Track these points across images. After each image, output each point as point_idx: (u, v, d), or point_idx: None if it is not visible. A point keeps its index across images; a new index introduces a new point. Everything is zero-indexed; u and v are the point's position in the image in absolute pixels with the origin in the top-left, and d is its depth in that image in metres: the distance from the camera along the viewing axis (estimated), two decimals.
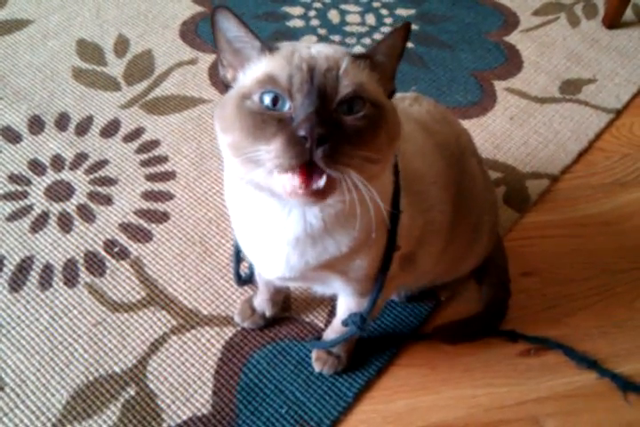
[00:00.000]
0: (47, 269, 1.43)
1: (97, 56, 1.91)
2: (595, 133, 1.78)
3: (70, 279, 1.41)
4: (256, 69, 0.80)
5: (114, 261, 1.45)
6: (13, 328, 1.33)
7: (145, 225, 1.52)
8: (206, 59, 1.92)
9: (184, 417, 1.22)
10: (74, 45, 1.93)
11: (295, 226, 0.87)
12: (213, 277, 1.43)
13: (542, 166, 1.69)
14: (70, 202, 1.55)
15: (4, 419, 1.21)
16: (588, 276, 1.47)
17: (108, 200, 1.57)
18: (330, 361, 1.27)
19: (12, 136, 1.69)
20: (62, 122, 1.73)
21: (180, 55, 1.93)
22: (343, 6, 2.14)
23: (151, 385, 1.26)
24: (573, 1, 2.19)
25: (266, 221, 0.89)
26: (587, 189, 1.65)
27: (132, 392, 1.25)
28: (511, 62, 1.98)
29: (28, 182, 1.59)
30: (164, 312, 1.37)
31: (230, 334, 1.34)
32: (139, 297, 1.39)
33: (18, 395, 1.24)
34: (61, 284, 1.40)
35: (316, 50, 0.80)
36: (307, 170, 0.72)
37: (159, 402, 1.24)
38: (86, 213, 1.53)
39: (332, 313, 1.36)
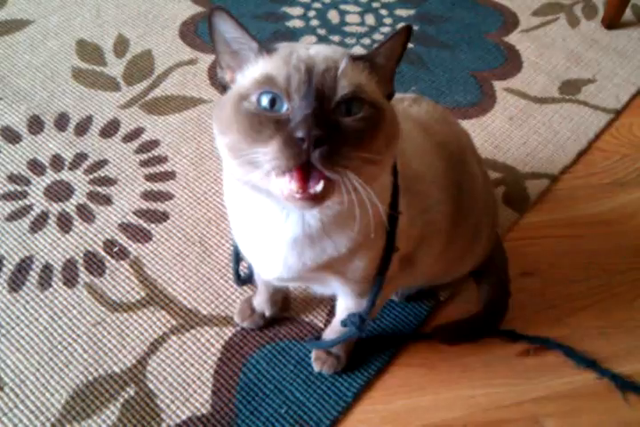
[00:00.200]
0: (46, 269, 1.43)
1: (97, 56, 1.91)
2: (594, 134, 1.78)
3: (70, 279, 1.41)
4: (254, 70, 0.79)
5: (113, 261, 1.45)
6: (13, 328, 1.33)
7: (144, 225, 1.52)
8: (206, 59, 1.92)
9: (183, 417, 1.22)
10: (74, 46, 1.93)
11: (293, 227, 0.87)
12: (213, 277, 1.43)
13: (542, 166, 1.69)
14: (70, 202, 1.56)
15: (4, 418, 1.21)
16: (587, 276, 1.47)
17: (107, 200, 1.57)
18: (329, 361, 1.27)
19: (12, 136, 1.69)
20: (62, 122, 1.73)
21: (179, 55, 1.93)
22: (343, 6, 2.14)
23: (150, 385, 1.26)
24: (573, 1, 2.19)
25: (264, 222, 0.89)
26: (586, 189, 1.65)
27: (132, 392, 1.25)
28: (511, 63, 1.98)
29: (28, 182, 1.59)
30: (163, 312, 1.37)
31: (230, 334, 1.34)
32: (138, 297, 1.39)
33: (17, 395, 1.24)
34: (61, 284, 1.40)
35: (314, 50, 0.80)
36: (304, 174, 0.71)
37: (158, 402, 1.24)
38: (86, 213, 1.54)
39: (331, 313, 1.36)
